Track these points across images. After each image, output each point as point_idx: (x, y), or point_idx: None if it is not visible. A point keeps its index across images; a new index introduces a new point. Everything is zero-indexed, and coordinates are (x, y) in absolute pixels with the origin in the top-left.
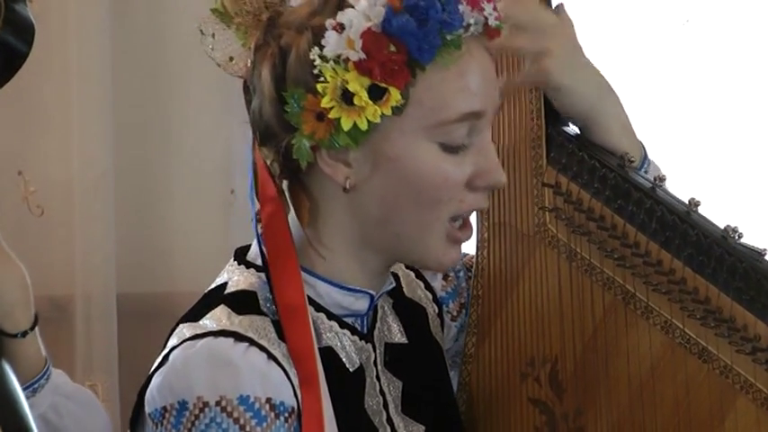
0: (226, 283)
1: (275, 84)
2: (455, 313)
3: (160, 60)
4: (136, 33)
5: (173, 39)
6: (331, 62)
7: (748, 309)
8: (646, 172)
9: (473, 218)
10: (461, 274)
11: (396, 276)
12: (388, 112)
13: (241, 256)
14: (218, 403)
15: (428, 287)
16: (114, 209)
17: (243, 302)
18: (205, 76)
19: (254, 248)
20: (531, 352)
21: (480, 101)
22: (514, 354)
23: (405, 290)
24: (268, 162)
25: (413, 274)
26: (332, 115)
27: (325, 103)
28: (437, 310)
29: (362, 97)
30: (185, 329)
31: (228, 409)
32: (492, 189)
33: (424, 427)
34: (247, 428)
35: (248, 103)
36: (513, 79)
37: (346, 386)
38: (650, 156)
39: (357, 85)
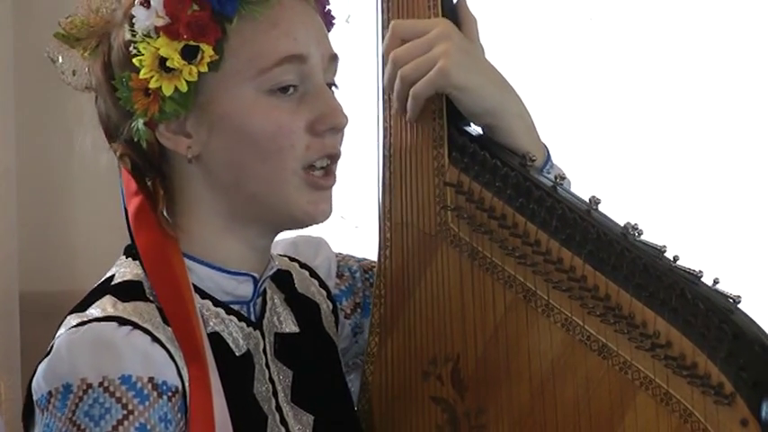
0: (113, 276)
1: (105, 75)
2: (348, 311)
3: None
4: (38, 31)
5: None
6: (143, 35)
7: (648, 305)
8: (548, 173)
9: (375, 216)
10: (357, 275)
11: (289, 274)
12: (204, 69)
13: (129, 250)
14: (100, 384)
15: (322, 285)
16: (16, 207)
17: (128, 291)
18: None
19: None
20: (434, 350)
21: (299, 45)
22: (417, 352)
23: (297, 286)
24: (117, 156)
25: (307, 273)
26: (152, 85)
27: (143, 74)
28: (331, 307)
29: (175, 60)
30: (71, 319)
31: (111, 389)
32: (335, 132)
33: (313, 417)
34: (130, 407)
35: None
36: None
37: (234, 370)
38: (553, 156)
39: (169, 49)
